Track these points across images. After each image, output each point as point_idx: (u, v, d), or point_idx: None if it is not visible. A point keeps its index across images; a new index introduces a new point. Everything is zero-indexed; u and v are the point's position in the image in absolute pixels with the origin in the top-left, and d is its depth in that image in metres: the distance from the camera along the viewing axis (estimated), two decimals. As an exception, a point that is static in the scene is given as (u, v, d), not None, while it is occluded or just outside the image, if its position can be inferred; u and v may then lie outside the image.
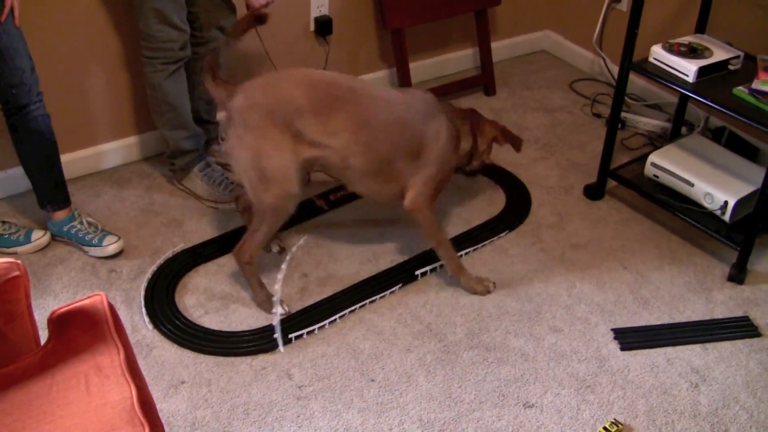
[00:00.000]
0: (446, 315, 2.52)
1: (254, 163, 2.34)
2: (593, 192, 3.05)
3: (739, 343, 2.45)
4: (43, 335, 1.81)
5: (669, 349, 2.42)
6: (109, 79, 2.97)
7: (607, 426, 2.16)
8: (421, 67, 3.69)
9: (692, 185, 2.78)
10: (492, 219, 2.94)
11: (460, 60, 3.85)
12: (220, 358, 2.35)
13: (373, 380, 2.30)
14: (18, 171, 2.77)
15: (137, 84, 3.00)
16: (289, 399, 2.24)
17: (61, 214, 2.69)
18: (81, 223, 2.70)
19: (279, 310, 2.46)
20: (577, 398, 2.27)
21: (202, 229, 2.83)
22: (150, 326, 2.44)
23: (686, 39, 2.80)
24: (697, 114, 3.35)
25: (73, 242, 2.71)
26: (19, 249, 2.68)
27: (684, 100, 3.17)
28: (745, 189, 2.70)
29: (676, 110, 3.23)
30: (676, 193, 2.84)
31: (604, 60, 3.76)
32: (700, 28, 2.97)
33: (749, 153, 3.07)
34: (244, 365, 2.33)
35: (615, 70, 3.19)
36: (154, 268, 2.63)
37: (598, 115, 3.57)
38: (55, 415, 1.59)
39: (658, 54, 2.72)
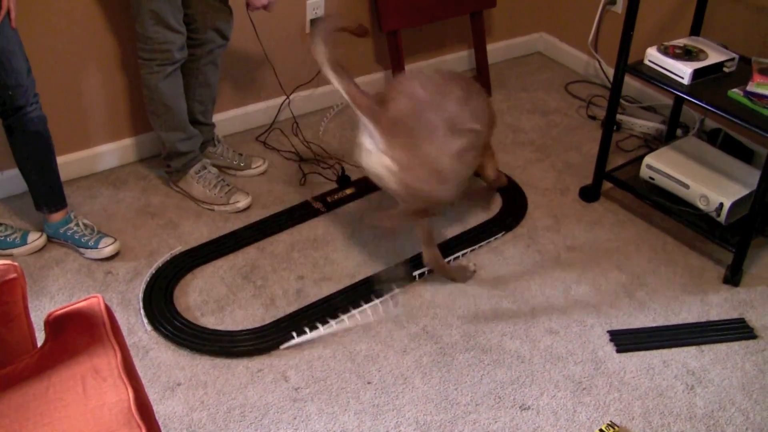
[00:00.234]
0: (442, 317, 2.52)
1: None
2: (589, 194, 3.05)
3: (734, 345, 2.46)
4: (40, 337, 1.81)
5: (665, 351, 2.43)
6: (106, 80, 2.96)
7: (604, 428, 2.17)
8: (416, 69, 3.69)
9: (687, 187, 2.78)
10: (488, 221, 2.94)
11: (455, 62, 3.86)
12: (217, 360, 2.35)
13: (369, 382, 2.31)
14: (14, 173, 2.77)
15: (133, 86, 3.00)
16: (285, 401, 2.24)
17: (57, 216, 2.69)
18: (77, 224, 2.69)
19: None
20: (574, 400, 2.27)
21: (198, 231, 2.83)
22: (148, 327, 2.44)
23: (681, 41, 2.81)
24: (693, 116, 3.36)
25: (69, 244, 2.70)
26: (15, 251, 2.67)
27: (679, 102, 3.18)
28: (741, 191, 2.71)
29: (671, 112, 3.23)
30: (672, 195, 2.84)
31: (599, 62, 3.77)
32: (695, 31, 2.98)
33: (744, 155, 3.07)
34: (240, 367, 2.33)
35: (610, 72, 3.19)
36: (152, 270, 2.63)
37: (593, 117, 3.58)
38: (52, 417, 1.59)
39: (653, 56, 2.73)
